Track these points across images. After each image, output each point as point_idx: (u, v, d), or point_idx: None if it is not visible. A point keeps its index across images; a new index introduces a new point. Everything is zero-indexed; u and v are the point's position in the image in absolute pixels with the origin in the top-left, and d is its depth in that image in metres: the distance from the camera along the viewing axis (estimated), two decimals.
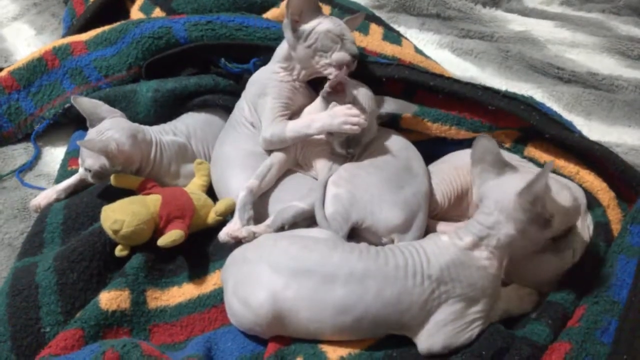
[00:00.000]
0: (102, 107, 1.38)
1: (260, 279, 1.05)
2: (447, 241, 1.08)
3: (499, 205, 1.04)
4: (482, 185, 1.10)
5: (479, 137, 1.13)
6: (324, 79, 1.35)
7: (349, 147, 1.30)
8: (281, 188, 1.32)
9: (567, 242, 1.17)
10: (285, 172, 1.35)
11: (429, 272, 1.04)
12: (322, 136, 1.31)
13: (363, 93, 1.32)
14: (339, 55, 1.31)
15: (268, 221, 1.24)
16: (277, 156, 1.33)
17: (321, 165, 1.34)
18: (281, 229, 1.23)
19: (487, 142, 1.12)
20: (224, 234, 1.23)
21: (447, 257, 1.05)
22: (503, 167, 1.10)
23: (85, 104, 1.36)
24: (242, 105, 1.40)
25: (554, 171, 1.33)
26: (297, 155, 1.36)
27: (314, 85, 1.41)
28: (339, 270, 1.04)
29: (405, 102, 1.38)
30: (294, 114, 1.36)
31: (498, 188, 1.07)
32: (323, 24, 1.31)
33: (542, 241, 1.09)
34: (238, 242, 1.21)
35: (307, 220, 1.25)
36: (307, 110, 1.36)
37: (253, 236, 1.20)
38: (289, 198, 1.28)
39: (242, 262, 1.11)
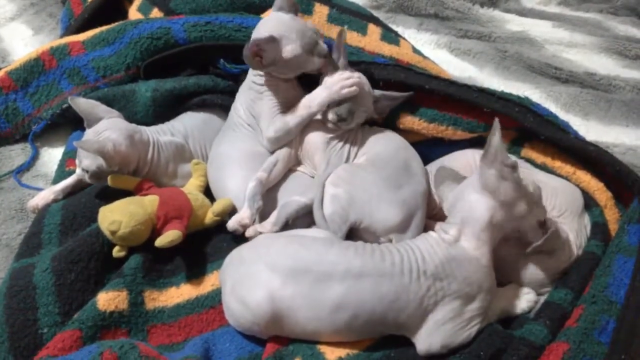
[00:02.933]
0: (100, 108, 1.37)
1: (257, 278, 1.05)
2: (436, 237, 1.09)
3: (469, 187, 1.10)
4: (449, 193, 1.16)
5: (438, 170, 1.24)
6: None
7: (340, 108, 1.29)
8: (282, 187, 1.32)
9: (559, 242, 1.18)
10: (286, 173, 1.35)
11: (424, 268, 1.05)
12: (319, 116, 1.33)
13: (357, 75, 1.34)
14: (318, 63, 1.31)
15: (272, 219, 1.24)
16: (281, 152, 1.34)
17: (319, 158, 1.34)
18: (285, 224, 1.23)
19: (445, 171, 1.23)
20: (233, 222, 1.23)
21: (439, 254, 1.06)
22: (460, 178, 1.18)
23: (83, 104, 1.36)
24: (237, 106, 1.40)
25: (552, 171, 1.34)
26: (297, 150, 1.36)
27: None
28: (335, 268, 1.04)
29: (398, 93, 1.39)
30: (290, 108, 1.36)
31: (463, 182, 1.14)
32: (287, 51, 1.26)
33: (522, 209, 1.10)
34: (243, 237, 1.22)
35: (308, 215, 1.25)
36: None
37: (258, 235, 1.21)
38: (290, 195, 1.29)
39: (239, 263, 1.11)
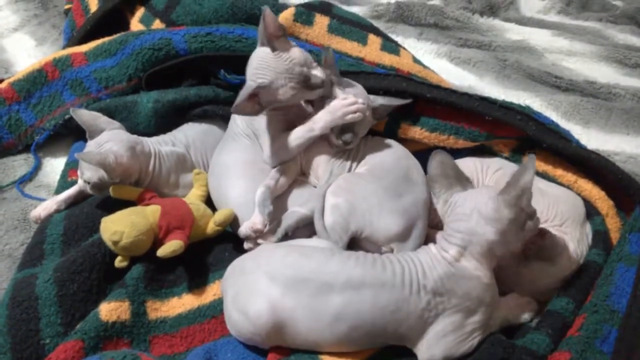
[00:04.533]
0: (101, 119, 1.38)
1: (258, 288, 1.06)
2: (436, 253, 1.08)
3: (477, 209, 1.06)
4: (450, 197, 1.12)
5: (434, 153, 1.16)
6: None
7: (344, 135, 1.31)
8: (285, 198, 1.32)
9: (559, 250, 1.18)
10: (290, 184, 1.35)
11: (424, 282, 1.04)
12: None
13: (358, 87, 1.35)
14: (318, 93, 1.29)
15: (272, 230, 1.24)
16: (287, 162, 1.34)
17: (322, 169, 1.35)
18: (285, 235, 1.24)
19: (443, 157, 1.15)
20: (245, 228, 1.22)
21: (439, 269, 1.06)
22: (465, 181, 1.14)
23: (85, 116, 1.37)
24: (235, 117, 1.41)
25: (553, 180, 1.34)
26: (301, 161, 1.37)
27: None
28: (336, 278, 1.04)
29: (396, 98, 1.39)
30: (290, 123, 1.36)
31: (471, 196, 1.09)
32: (281, 94, 1.25)
33: (518, 246, 1.10)
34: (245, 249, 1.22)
35: (309, 226, 1.26)
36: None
37: (256, 247, 1.21)
38: (293, 206, 1.29)
39: (240, 273, 1.11)
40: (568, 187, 1.33)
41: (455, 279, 1.05)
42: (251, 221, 1.22)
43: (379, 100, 1.37)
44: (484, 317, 1.06)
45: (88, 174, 1.30)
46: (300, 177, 1.38)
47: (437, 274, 1.05)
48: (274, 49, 1.24)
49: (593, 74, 2.17)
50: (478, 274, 1.06)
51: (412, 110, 1.42)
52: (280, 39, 1.26)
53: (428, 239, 1.28)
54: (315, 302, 1.03)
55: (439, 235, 1.13)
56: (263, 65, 1.25)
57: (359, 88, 1.36)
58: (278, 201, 1.30)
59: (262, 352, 1.09)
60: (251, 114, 1.28)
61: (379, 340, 1.07)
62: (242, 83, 1.50)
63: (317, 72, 1.27)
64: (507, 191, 1.04)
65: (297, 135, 1.31)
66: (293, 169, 1.34)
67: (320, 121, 1.30)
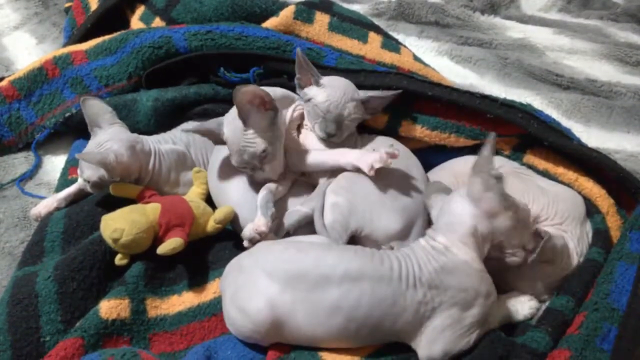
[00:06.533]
0: (108, 115, 1.37)
1: (256, 286, 1.06)
2: (427, 245, 1.10)
3: (456, 194, 1.11)
4: (439, 202, 1.17)
5: (430, 185, 1.26)
6: None
7: (328, 129, 1.31)
8: (285, 197, 1.33)
9: (556, 251, 1.18)
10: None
11: (420, 275, 1.05)
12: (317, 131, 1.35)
13: (341, 82, 1.35)
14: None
15: (273, 229, 1.24)
16: None
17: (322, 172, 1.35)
18: (287, 234, 1.24)
19: (436, 184, 1.25)
20: (249, 230, 1.22)
21: (433, 262, 1.07)
22: (449, 190, 1.21)
23: (95, 107, 1.35)
24: None
25: (554, 178, 1.34)
26: None
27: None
28: (334, 270, 1.04)
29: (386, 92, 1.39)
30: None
31: (453, 192, 1.15)
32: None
33: (503, 229, 1.09)
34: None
35: (310, 225, 1.25)
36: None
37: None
38: (293, 205, 1.30)
39: (238, 271, 1.11)
40: (569, 185, 1.32)
41: (449, 270, 1.06)
42: (255, 223, 1.22)
43: (369, 94, 1.36)
44: (482, 311, 1.06)
45: (88, 173, 1.30)
46: (301, 177, 1.38)
47: (431, 267, 1.06)
48: (245, 123, 1.22)
49: (594, 72, 2.16)
50: (467, 259, 1.07)
51: (413, 109, 1.42)
52: (263, 111, 1.22)
53: None
54: (313, 296, 1.03)
55: (428, 231, 1.15)
56: (232, 132, 1.25)
57: (342, 80, 1.36)
58: (279, 200, 1.31)
59: (262, 349, 1.09)
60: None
61: (377, 336, 1.07)
62: (242, 81, 1.51)
63: (268, 171, 1.26)
64: (473, 166, 1.10)
65: (319, 159, 1.31)
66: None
67: (349, 157, 1.28)
